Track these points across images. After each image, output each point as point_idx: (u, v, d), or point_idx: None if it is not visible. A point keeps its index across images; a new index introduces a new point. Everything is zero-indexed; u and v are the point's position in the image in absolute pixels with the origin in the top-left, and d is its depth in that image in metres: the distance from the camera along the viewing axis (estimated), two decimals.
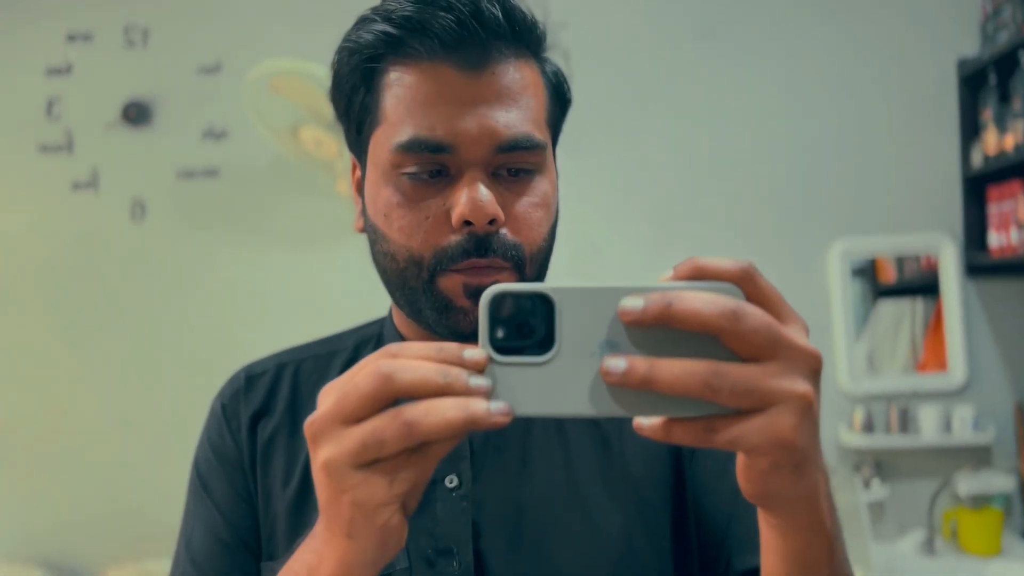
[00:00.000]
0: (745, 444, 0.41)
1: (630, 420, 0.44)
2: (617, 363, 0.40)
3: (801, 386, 0.41)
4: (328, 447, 0.44)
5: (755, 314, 0.41)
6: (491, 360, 0.43)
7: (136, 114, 2.53)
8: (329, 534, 0.47)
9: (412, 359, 0.43)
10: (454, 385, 0.42)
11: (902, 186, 2.43)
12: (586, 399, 0.42)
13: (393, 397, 0.42)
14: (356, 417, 0.43)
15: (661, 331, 0.41)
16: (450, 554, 0.69)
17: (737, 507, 0.73)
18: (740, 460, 0.45)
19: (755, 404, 0.41)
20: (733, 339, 0.41)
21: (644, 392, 0.41)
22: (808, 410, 0.41)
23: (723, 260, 0.43)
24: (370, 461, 0.43)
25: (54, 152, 2.55)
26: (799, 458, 0.42)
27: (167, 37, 2.55)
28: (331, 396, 0.44)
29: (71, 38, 2.55)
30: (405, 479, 0.43)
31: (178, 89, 2.54)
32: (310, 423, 0.45)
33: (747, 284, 0.43)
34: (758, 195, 2.45)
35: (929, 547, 2.25)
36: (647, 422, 0.44)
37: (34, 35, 2.55)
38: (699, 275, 0.42)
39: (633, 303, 0.41)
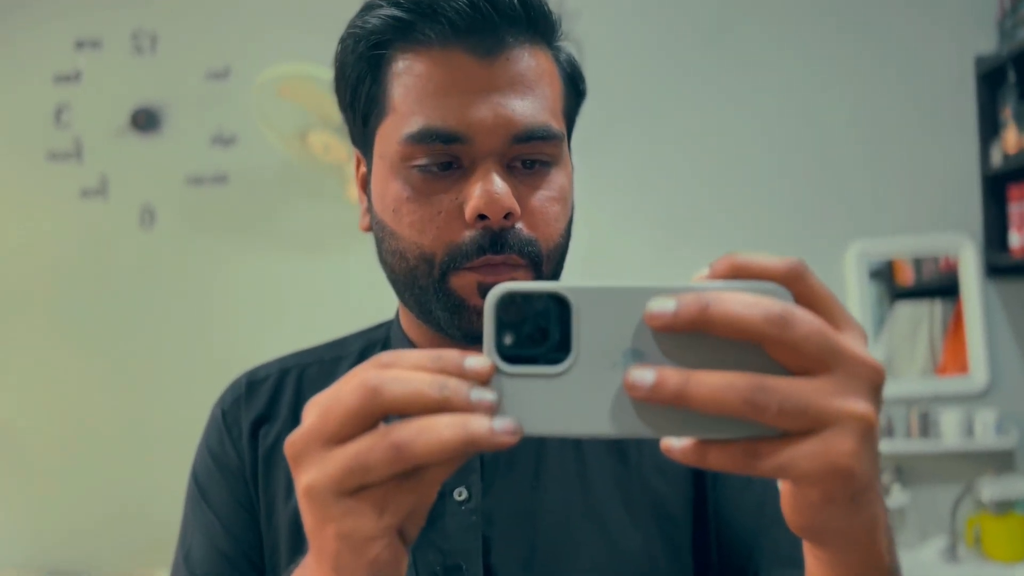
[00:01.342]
0: (794, 472, 0.35)
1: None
2: (644, 375, 0.35)
3: (860, 405, 0.36)
4: (309, 471, 0.38)
5: (806, 319, 0.35)
6: (497, 370, 0.37)
7: (145, 120, 2.52)
8: (317, 565, 0.41)
9: (405, 370, 0.37)
10: (452, 399, 0.36)
11: (920, 186, 2.39)
12: (606, 416, 0.37)
13: (381, 414, 0.37)
14: (339, 437, 0.37)
15: (695, 338, 0.36)
16: (459, 570, 0.66)
17: (763, 519, 0.70)
18: (786, 488, 0.39)
19: (806, 425, 0.35)
20: (780, 348, 0.35)
21: (675, 409, 0.36)
22: (869, 433, 0.36)
23: (767, 256, 0.37)
24: (356, 488, 0.37)
25: (63, 159, 2.54)
26: (857, 488, 0.37)
27: (175, 43, 2.54)
28: (314, 411, 0.39)
29: (79, 45, 2.54)
30: (398, 509, 0.38)
31: (187, 95, 2.53)
32: (290, 442, 0.39)
33: (796, 284, 0.37)
34: (773, 196, 2.42)
35: (952, 554, 2.21)
36: (678, 444, 0.38)
37: (42, 42, 2.55)
38: (740, 273, 0.37)
39: (663, 305, 0.35)
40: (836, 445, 0.35)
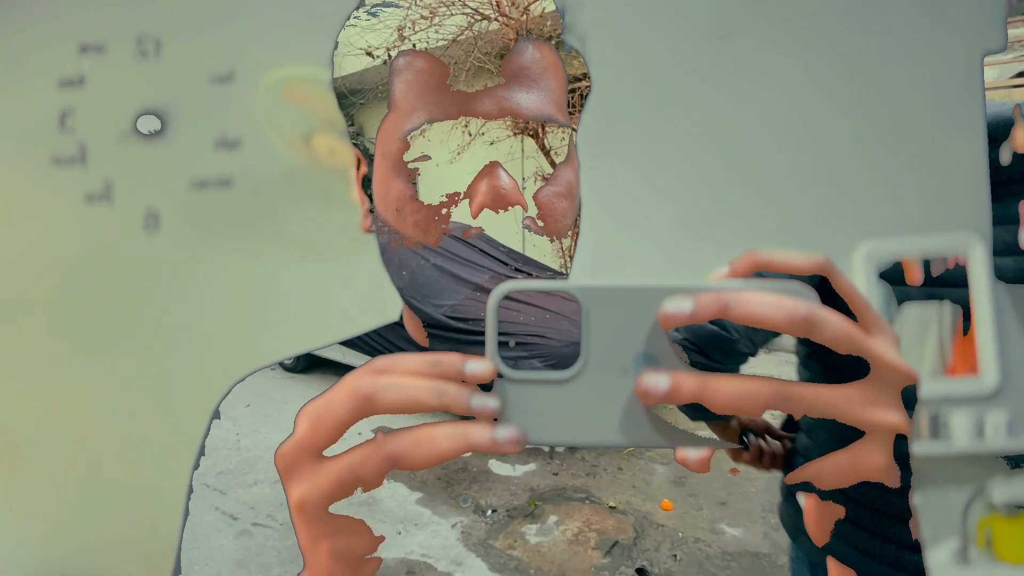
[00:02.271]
0: (822, 485, 0.34)
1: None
2: (658, 380, 0.33)
3: (891, 415, 0.34)
4: (301, 484, 0.36)
5: (833, 322, 0.33)
6: (500, 375, 0.35)
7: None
8: None
9: (400, 375, 0.35)
10: (452, 407, 0.34)
11: (929, 186, 2.37)
12: (617, 425, 0.34)
13: None
14: (332, 448, 0.36)
15: None
16: None
17: None
18: (810, 504, 0.38)
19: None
20: None
21: None
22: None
23: (792, 253, 0.34)
24: None
25: (67, 164, 2.54)
26: None
27: (179, 47, 2.54)
28: (305, 421, 0.36)
29: (83, 49, 2.54)
30: None
31: (191, 99, 2.52)
32: (280, 454, 0.37)
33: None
34: (779, 196, 2.40)
35: (963, 557, 2.18)
36: (694, 454, 0.36)
37: (46, 47, 2.55)
38: (762, 271, 0.35)
39: (679, 306, 0.33)
40: (866, 459, 0.33)
